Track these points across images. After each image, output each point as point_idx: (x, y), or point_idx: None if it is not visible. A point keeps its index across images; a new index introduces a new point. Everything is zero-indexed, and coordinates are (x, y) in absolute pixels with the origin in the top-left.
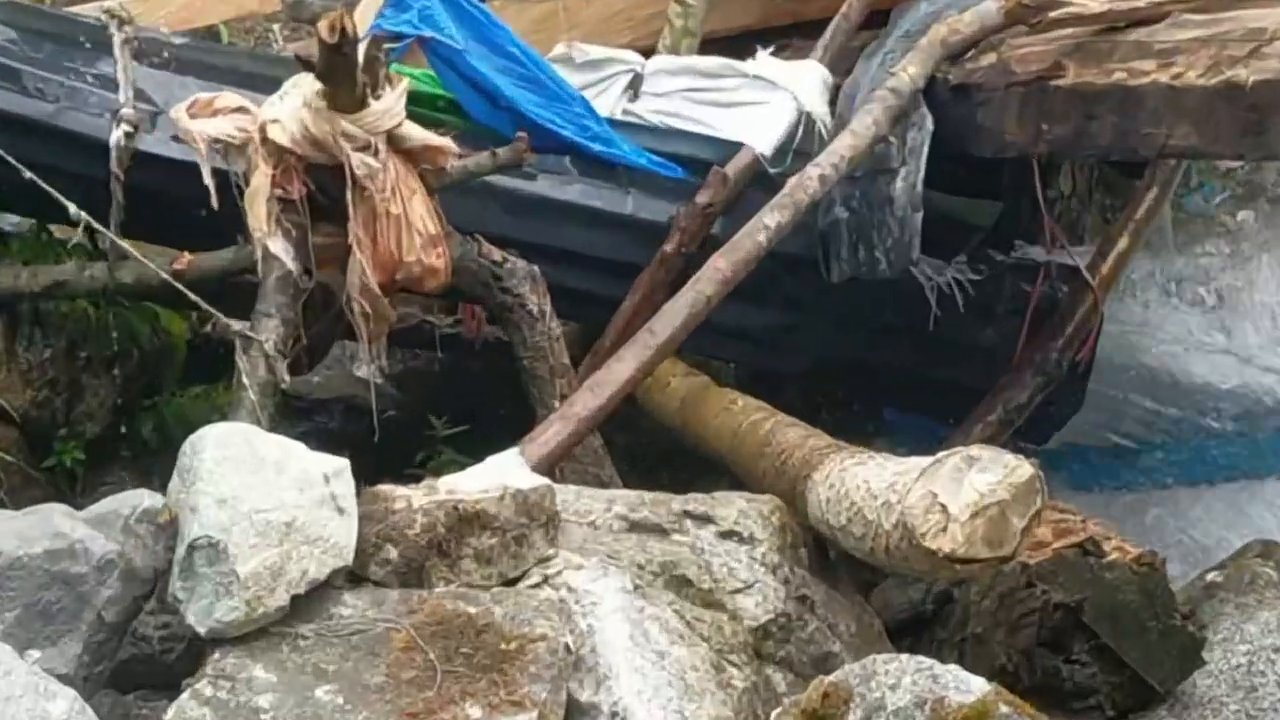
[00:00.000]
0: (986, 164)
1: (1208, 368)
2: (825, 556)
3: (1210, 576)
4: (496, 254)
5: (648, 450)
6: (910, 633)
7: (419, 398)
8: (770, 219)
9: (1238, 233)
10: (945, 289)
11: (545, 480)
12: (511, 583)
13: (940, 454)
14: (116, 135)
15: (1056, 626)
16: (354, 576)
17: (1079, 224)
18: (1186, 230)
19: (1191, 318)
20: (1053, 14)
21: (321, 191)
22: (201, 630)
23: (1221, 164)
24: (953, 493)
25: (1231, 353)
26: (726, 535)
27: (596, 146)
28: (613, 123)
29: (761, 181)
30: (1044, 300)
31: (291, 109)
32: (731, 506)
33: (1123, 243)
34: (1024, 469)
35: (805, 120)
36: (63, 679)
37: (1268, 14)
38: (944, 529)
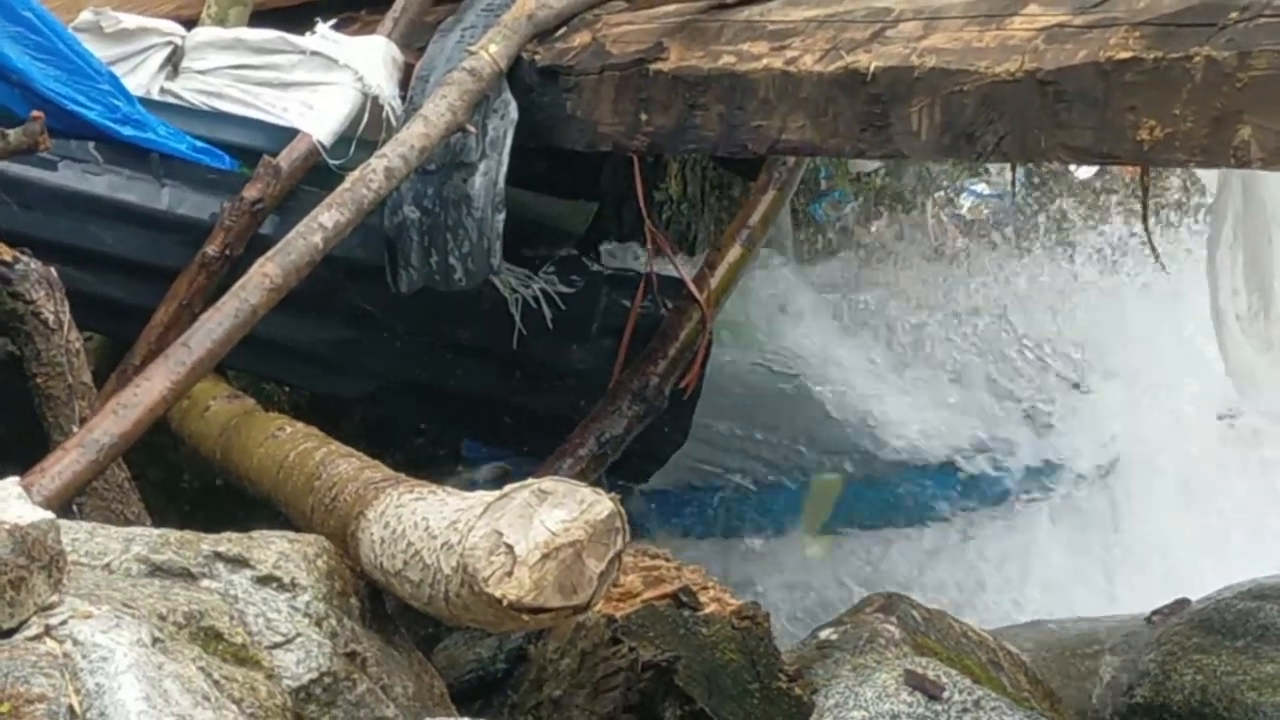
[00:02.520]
0: (581, 160)
1: (834, 396)
2: (381, 607)
3: (824, 634)
4: (5, 253)
5: (185, 486)
6: (479, 695)
7: None
8: (328, 218)
9: (871, 245)
10: (531, 303)
11: (48, 514)
12: (7, 635)
13: (509, 487)
14: None
15: (645, 689)
16: None
17: (691, 232)
18: (812, 242)
19: (818, 338)
20: None
21: None
22: None
23: (853, 167)
24: (521, 531)
25: (865, 378)
26: (264, 581)
27: (127, 130)
28: (147, 103)
29: (320, 175)
30: (645, 318)
31: None
32: (270, 548)
33: (734, 253)
34: (602, 504)
35: (371, 105)
36: None
37: None
38: (510, 573)
